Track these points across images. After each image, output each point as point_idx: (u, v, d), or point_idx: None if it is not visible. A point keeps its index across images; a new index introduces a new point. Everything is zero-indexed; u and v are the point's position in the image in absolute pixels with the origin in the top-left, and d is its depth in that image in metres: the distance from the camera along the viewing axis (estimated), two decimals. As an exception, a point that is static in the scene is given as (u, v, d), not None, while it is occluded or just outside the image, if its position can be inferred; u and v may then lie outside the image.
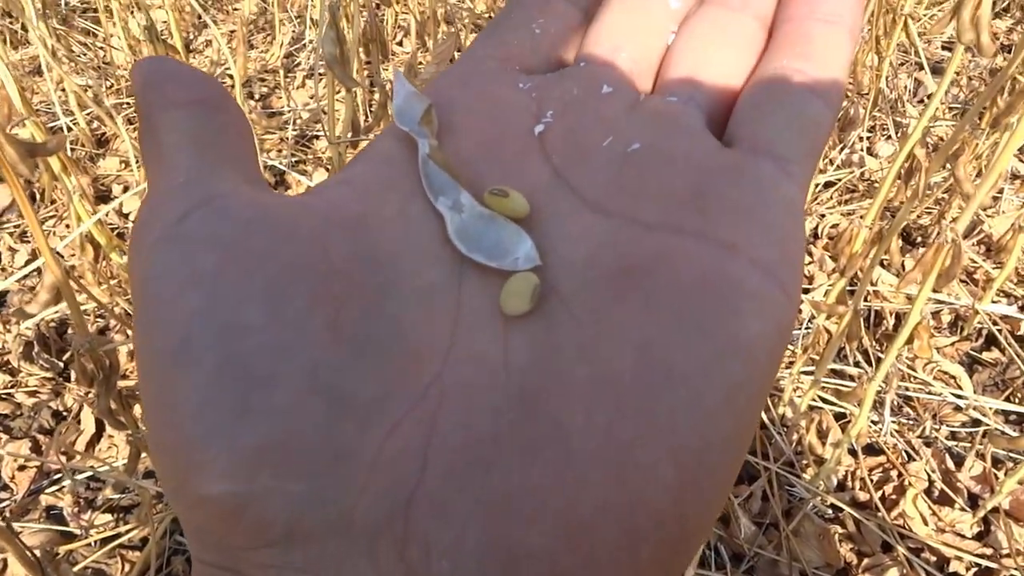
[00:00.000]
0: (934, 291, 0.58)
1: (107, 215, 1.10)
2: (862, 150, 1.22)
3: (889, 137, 1.26)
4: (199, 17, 1.57)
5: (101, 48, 1.41)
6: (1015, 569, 0.69)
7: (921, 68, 1.44)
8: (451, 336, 0.15)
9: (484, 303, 0.15)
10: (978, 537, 0.74)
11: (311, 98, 1.32)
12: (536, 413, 0.13)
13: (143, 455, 0.71)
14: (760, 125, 0.16)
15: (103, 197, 1.15)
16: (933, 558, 0.72)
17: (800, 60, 0.17)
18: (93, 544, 0.74)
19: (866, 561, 0.72)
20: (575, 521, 0.13)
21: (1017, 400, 0.87)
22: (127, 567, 0.72)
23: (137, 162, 1.10)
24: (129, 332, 0.85)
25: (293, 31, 1.48)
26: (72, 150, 1.20)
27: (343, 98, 0.65)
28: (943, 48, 1.53)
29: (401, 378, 0.14)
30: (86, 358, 0.58)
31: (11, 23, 1.39)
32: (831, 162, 1.21)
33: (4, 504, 0.78)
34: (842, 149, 1.23)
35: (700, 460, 0.13)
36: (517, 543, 0.13)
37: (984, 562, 0.71)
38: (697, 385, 0.13)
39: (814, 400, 0.84)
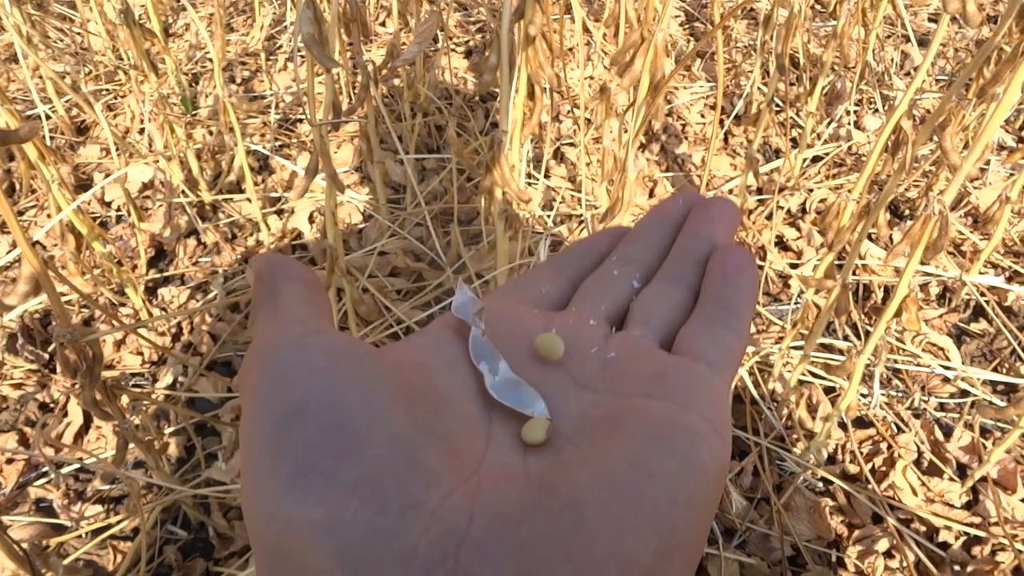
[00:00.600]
0: (922, 263, 0.58)
1: (89, 203, 1.09)
2: (849, 124, 1.22)
3: (876, 110, 1.26)
4: (177, 0, 1.55)
5: (79, 33, 1.39)
6: (1003, 537, 0.70)
7: (908, 40, 1.43)
8: (484, 450, 0.20)
9: (508, 435, 0.21)
10: (967, 506, 0.75)
11: (293, 81, 1.30)
12: (553, 494, 0.19)
13: (130, 446, 0.70)
14: (695, 345, 0.24)
15: (85, 185, 1.13)
16: (923, 528, 0.73)
17: (719, 310, 0.25)
18: (84, 536, 0.73)
19: (856, 533, 0.73)
20: (588, 564, 0.17)
21: (1004, 370, 0.87)
22: (119, 558, 0.72)
23: (118, 149, 1.08)
24: (114, 322, 0.84)
25: (274, 13, 1.46)
26: (52, 138, 1.18)
27: (325, 80, 0.64)
28: (930, 20, 1.53)
29: (452, 464, 0.19)
30: (69, 349, 0.57)
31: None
32: (819, 136, 1.20)
33: (-7, 497, 0.77)
34: (829, 123, 1.22)
35: (673, 536, 0.18)
36: None
37: (973, 531, 0.71)
38: (670, 485, 0.19)
39: (804, 374, 0.84)
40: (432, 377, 0.22)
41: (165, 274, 1.00)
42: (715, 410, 0.21)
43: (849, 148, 1.18)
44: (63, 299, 0.89)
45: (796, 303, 0.94)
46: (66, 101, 1.21)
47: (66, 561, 0.71)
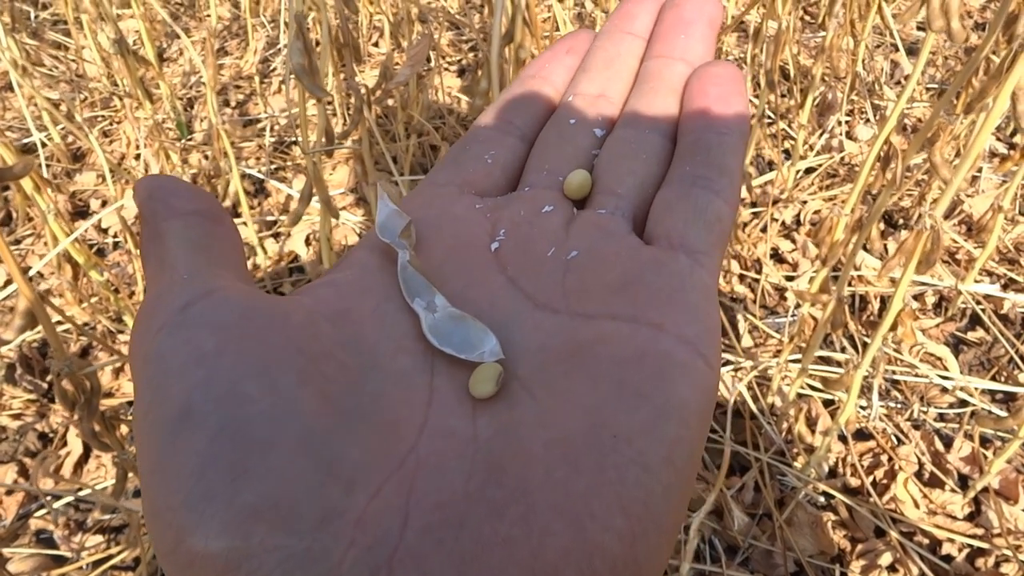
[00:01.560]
0: (916, 275, 0.58)
1: (86, 231, 1.09)
2: (841, 134, 1.22)
3: (868, 120, 1.26)
4: (170, 27, 1.56)
5: (73, 61, 1.39)
6: (1007, 548, 0.70)
7: (897, 49, 1.44)
8: (424, 415, 0.17)
9: (453, 388, 0.17)
10: (969, 518, 0.75)
11: (288, 103, 1.31)
12: (501, 476, 0.15)
13: (130, 475, 0.70)
14: (673, 223, 0.20)
15: (81, 212, 1.13)
16: (926, 541, 0.73)
17: (701, 167, 0.20)
18: (85, 567, 0.73)
19: (860, 547, 0.72)
20: (540, 569, 0.14)
21: (1003, 379, 0.87)
22: (120, 588, 0.72)
23: (113, 176, 1.09)
24: (113, 351, 0.84)
25: (267, 36, 1.47)
26: (47, 166, 1.18)
27: (317, 106, 0.64)
28: (918, 28, 1.54)
29: (381, 447, 0.16)
30: (66, 381, 0.57)
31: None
32: (811, 148, 1.21)
33: (-8, 530, 0.77)
34: (821, 134, 1.23)
35: (647, 510, 0.15)
36: None
37: (976, 543, 0.71)
38: (640, 444, 0.16)
39: (802, 388, 0.84)
40: (355, 328, 0.18)
41: (162, 300, 1.00)
42: (696, 322, 0.17)
43: (842, 159, 1.19)
44: (60, 328, 0.90)
45: (793, 316, 0.94)
46: (61, 129, 1.22)
47: (67, 593, 0.70)
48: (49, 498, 0.77)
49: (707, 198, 0.20)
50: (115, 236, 1.09)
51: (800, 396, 0.83)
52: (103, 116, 1.29)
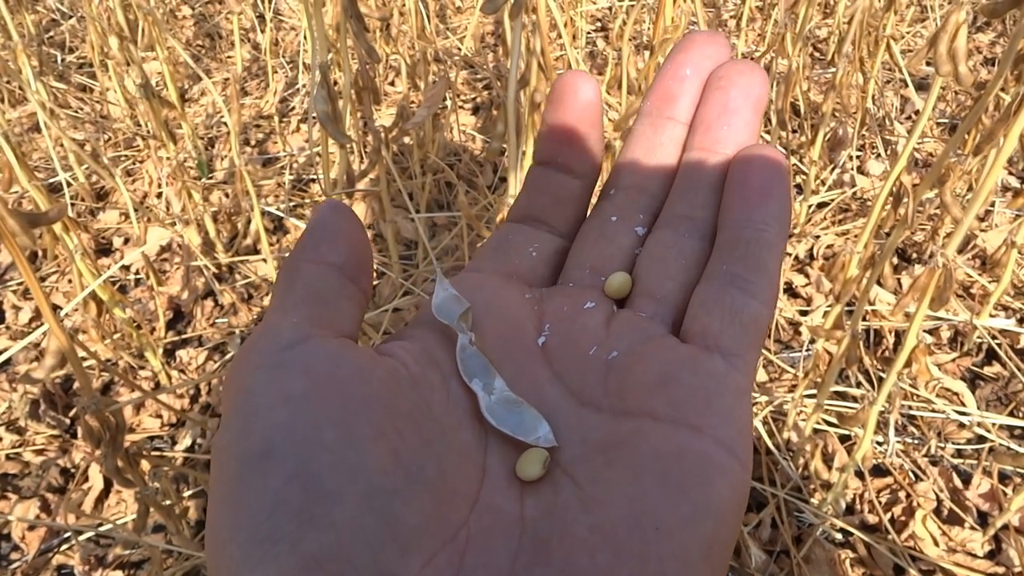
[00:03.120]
0: (930, 311, 0.59)
1: (107, 267, 1.11)
2: (853, 169, 1.23)
3: (879, 155, 1.27)
4: (192, 70, 1.60)
5: (98, 102, 1.43)
6: (1029, 587, 0.69)
7: (906, 85, 1.45)
8: (477, 490, 0.18)
9: (503, 469, 0.18)
10: (989, 555, 0.74)
11: (306, 142, 1.33)
12: (548, 556, 0.16)
13: (151, 511, 0.71)
14: (709, 323, 0.20)
15: (104, 249, 1.16)
16: (946, 579, 0.72)
17: (739, 265, 0.20)
18: (104, 602, 0.73)
19: (879, 585, 0.72)
20: None
21: (1021, 415, 0.87)
22: (139, 624, 0.72)
23: (137, 213, 1.11)
24: (135, 387, 0.86)
25: (286, 76, 1.50)
26: (72, 204, 1.21)
27: (338, 151, 0.66)
28: (927, 64, 1.55)
29: (438, 515, 0.16)
30: (92, 418, 0.59)
31: (9, 82, 1.41)
32: (823, 183, 1.22)
33: (16, 565, 0.77)
34: (833, 169, 1.24)
35: None
36: None
37: (997, 581, 0.70)
38: (681, 539, 0.16)
39: (818, 423, 0.84)
40: (428, 395, 0.19)
41: (183, 336, 1.01)
42: (732, 425, 0.18)
43: (854, 194, 1.20)
44: (84, 364, 0.91)
45: (807, 351, 0.94)
46: (86, 168, 1.25)
47: (87, 629, 0.71)
48: (71, 533, 0.77)
49: (743, 300, 0.20)
50: (137, 273, 1.11)
51: (816, 431, 0.83)
52: (126, 156, 1.33)
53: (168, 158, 1.04)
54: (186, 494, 0.82)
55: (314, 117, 0.59)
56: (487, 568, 0.16)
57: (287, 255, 0.20)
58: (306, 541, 0.15)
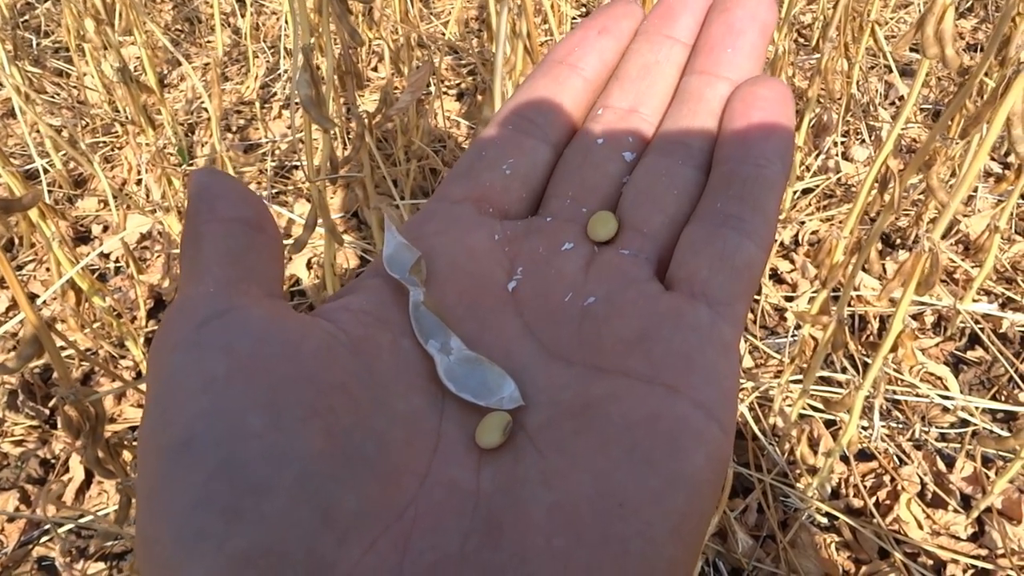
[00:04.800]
0: (915, 296, 0.59)
1: (86, 255, 1.09)
2: (837, 155, 1.24)
3: (863, 141, 1.27)
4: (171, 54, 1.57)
5: (75, 87, 1.40)
6: (1011, 569, 0.70)
7: (891, 71, 1.45)
8: (428, 463, 0.16)
9: (461, 435, 0.17)
10: (973, 538, 0.75)
11: (288, 128, 1.32)
12: (500, 538, 0.15)
13: (133, 501, 0.70)
14: (697, 268, 0.18)
15: (83, 238, 1.14)
16: (930, 562, 0.73)
17: (734, 203, 0.19)
18: (87, 594, 0.73)
19: (864, 568, 0.72)
20: None
21: (1003, 398, 0.88)
22: (122, 616, 0.71)
23: (116, 200, 1.09)
24: (115, 376, 0.85)
25: (267, 62, 1.48)
26: (50, 192, 1.19)
27: (321, 136, 0.65)
28: (911, 50, 1.55)
29: (381, 496, 0.15)
30: (71, 408, 0.58)
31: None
32: (807, 169, 1.22)
33: (-6, 558, 0.76)
34: (818, 155, 1.24)
35: None
36: None
37: (980, 563, 0.71)
38: (647, 515, 0.15)
39: (804, 409, 0.84)
40: (370, 360, 0.17)
41: (164, 325, 1.00)
42: (713, 384, 0.17)
43: (838, 179, 1.20)
44: (63, 354, 0.90)
45: (793, 336, 0.95)
46: (63, 155, 1.22)
47: (69, 622, 0.70)
48: (51, 525, 0.76)
49: (736, 241, 0.18)
50: (117, 261, 1.09)
51: (802, 417, 0.84)
52: (105, 142, 1.30)
53: (147, 144, 1.03)
54: (169, 484, 0.82)
55: (296, 102, 0.58)
56: (435, 550, 0.15)
57: (184, 224, 0.18)
58: (234, 538, 0.14)
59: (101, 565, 0.76)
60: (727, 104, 0.20)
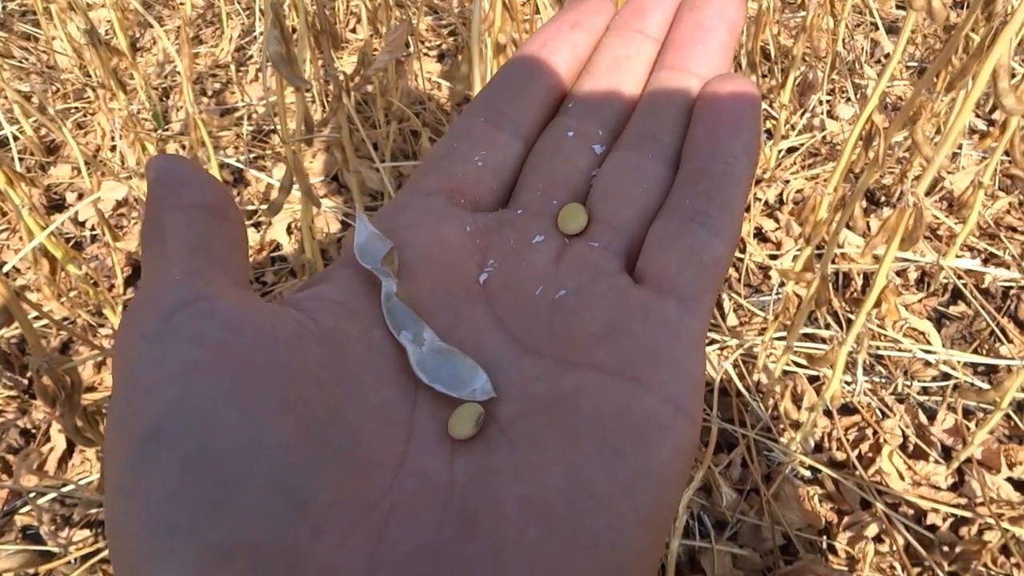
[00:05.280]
0: (899, 252, 0.59)
1: (63, 225, 1.07)
2: (822, 113, 1.23)
3: (849, 99, 1.27)
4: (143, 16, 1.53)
5: (44, 52, 1.37)
6: (989, 517, 0.71)
7: (877, 28, 1.44)
8: (402, 453, 0.16)
9: (433, 426, 0.17)
10: (953, 488, 0.76)
11: (265, 90, 1.29)
12: (473, 529, 0.15)
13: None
14: (666, 263, 0.18)
15: (57, 206, 1.12)
16: (911, 511, 0.74)
17: (702, 200, 0.19)
18: (73, 561, 0.72)
19: (846, 519, 0.73)
20: None
21: (984, 352, 0.88)
22: (109, 583, 0.71)
23: (89, 168, 1.07)
24: (94, 345, 0.84)
25: (242, 24, 1.45)
26: (21, 159, 1.16)
27: (295, 95, 0.63)
28: (897, 7, 1.54)
29: (354, 488, 0.15)
30: (46, 378, 0.57)
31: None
32: (793, 127, 1.21)
33: (-23, 528, 0.76)
34: (803, 114, 1.23)
35: (619, 574, 0.15)
36: None
37: (960, 512, 0.72)
38: (617, 508, 0.15)
39: (788, 365, 0.85)
40: (341, 352, 0.17)
41: (144, 293, 0.99)
42: (681, 379, 0.17)
43: (823, 138, 1.19)
44: (40, 324, 0.88)
45: (777, 294, 0.95)
46: (34, 121, 1.19)
47: (55, 589, 0.70)
48: (33, 495, 0.76)
49: (704, 237, 0.19)
50: (93, 229, 1.07)
51: (786, 373, 0.84)
52: (77, 108, 1.27)
53: (120, 109, 1.00)
54: (153, 452, 0.81)
55: (271, 69, 0.56)
56: (409, 541, 0.15)
57: (145, 212, 0.18)
58: (207, 530, 0.13)
59: (87, 532, 0.76)
60: (697, 100, 0.21)
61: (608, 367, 0.17)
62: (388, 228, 0.20)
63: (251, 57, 1.39)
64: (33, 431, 0.85)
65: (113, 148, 1.18)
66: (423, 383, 0.17)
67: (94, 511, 0.77)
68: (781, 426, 0.81)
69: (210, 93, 1.31)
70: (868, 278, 0.96)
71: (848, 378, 0.84)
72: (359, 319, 0.18)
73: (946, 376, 0.86)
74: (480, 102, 0.22)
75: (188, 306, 0.16)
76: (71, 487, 0.75)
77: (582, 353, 0.17)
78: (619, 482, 0.15)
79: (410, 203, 0.21)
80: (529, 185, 0.21)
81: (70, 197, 1.13)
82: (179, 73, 1.35)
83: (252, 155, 1.18)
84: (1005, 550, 0.69)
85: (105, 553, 0.72)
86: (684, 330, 0.18)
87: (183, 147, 1.17)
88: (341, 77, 0.80)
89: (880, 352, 0.88)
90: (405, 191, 0.21)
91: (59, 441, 0.82)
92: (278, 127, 1.23)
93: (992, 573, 0.68)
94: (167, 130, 1.22)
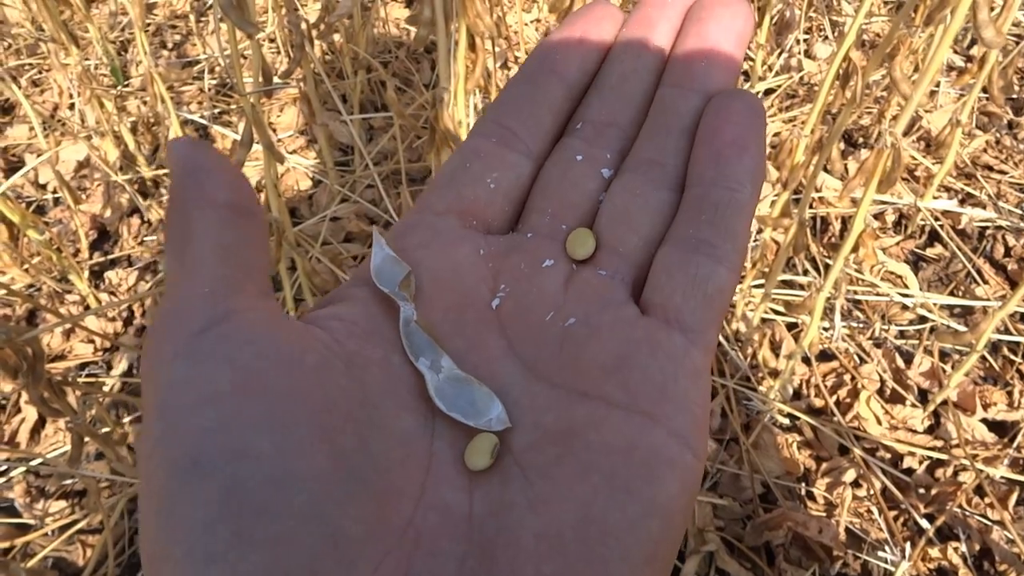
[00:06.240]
0: (877, 194, 0.57)
1: (22, 187, 1.04)
2: (800, 53, 1.20)
3: (826, 38, 1.24)
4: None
5: (-8, 6, 1.30)
6: (964, 458, 0.72)
7: (855, -38, 1.40)
8: (422, 484, 0.17)
9: (451, 455, 0.17)
10: (929, 431, 0.77)
11: (227, 43, 1.24)
12: (493, 565, 0.16)
13: (86, 440, 0.68)
14: (671, 294, 0.19)
15: (15, 168, 1.08)
16: (888, 455, 0.75)
17: (706, 229, 0.19)
18: (51, 533, 0.72)
19: (824, 465, 0.74)
20: None
21: (960, 293, 0.88)
22: (88, 552, 0.71)
23: (46, 128, 1.03)
24: (59, 315, 0.81)
25: (200, -29, 1.38)
26: (-26, 120, 1.12)
27: (251, 44, 0.60)
28: (876, -61, 1.50)
29: (381, 519, 0.15)
30: (7, 349, 0.55)
31: None
32: (770, 68, 1.19)
33: (-50, 502, 0.75)
34: (780, 54, 1.20)
35: None
36: None
37: (935, 454, 0.73)
38: (626, 541, 0.16)
39: (766, 313, 0.84)
40: (363, 377, 0.17)
41: (110, 256, 0.96)
42: (686, 413, 0.17)
43: (801, 79, 1.17)
44: (1, 292, 0.86)
45: (755, 241, 0.94)
46: (-14, 80, 1.14)
47: (34, 560, 0.69)
48: (6, 467, 0.75)
49: (709, 268, 0.19)
50: (54, 192, 1.04)
51: (764, 321, 0.84)
52: (31, 64, 1.22)
53: (74, 64, 0.96)
54: (126, 420, 0.80)
55: (222, 21, 0.53)
56: (433, 575, 0.15)
57: (169, 203, 0.17)
58: (245, 561, 0.14)
59: (63, 503, 0.75)
60: (701, 119, 0.20)
61: (616, 400, 0.17)
62: (399, 248, 0.20)
63: (211, 6, 1.33)
64: (3, 402, 0.83)
65: (72, 106, 1.14)
66: (440, 410, 0.18)
67: (69, 482, 0.76)
68: (760, 375, 0.81)
69: (170, 45, 1.26)
70: (846, 222, 0.95)
71: (826, 324, 0.84)
72: (379, 343, 0.18)
73: (923, 319, 0.86)
74: (490, 118, 0.22)
75: (219, 324, 0.16)
76: (39, 461, 0.74)
77: (591, 384, 0.18)
78: (628, 516, 0.16)
79: (420, 222, 0.21)
80: (539, 208, 0.22)
81: (29, 159, 1.09)
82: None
83: (216, 110, 1.14)
84: (980, 490, 0.70)
85: (83, 523, 0.71)
86: (689, 362, 0.18)
87: (144, 103, 1.13)
88: (304, 25, 0.76)
89: (858, 297, 0.88)
90: (415, 209, 0.21)
91: (30, 412, 0.81)
92: (231, 80, 1.19)
93: (967, 513, 0.69)
94: (127, 86, 1.18)
